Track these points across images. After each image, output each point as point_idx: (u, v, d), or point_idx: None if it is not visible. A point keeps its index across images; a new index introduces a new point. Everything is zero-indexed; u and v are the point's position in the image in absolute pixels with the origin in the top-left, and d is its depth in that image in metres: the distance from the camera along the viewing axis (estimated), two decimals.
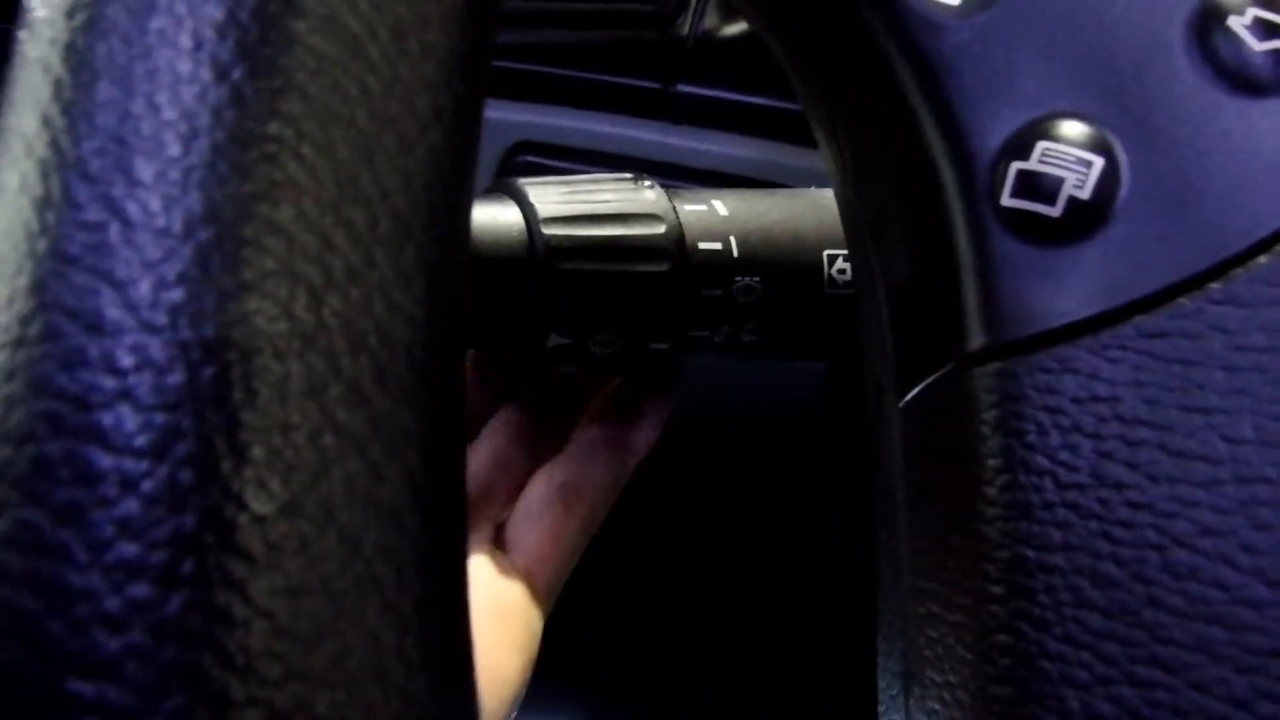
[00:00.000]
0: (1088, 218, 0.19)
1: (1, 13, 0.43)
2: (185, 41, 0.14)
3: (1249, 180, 0.19)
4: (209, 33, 0.14)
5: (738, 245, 0.33)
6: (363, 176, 0.14)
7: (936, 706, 0.19)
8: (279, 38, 0.14)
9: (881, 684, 0.22)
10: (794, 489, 0.47)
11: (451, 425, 0.15)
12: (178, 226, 0.13)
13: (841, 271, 0.34)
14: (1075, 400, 0.18)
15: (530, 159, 0.54)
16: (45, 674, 0.12)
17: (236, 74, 0.14)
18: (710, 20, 0.53)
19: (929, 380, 0.21)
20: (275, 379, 0.13)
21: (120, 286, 0.13)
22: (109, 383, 0.13)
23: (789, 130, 0.50)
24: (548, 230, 0.30)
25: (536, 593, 0.33)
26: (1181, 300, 0.18)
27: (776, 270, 0.33)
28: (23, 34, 0.14)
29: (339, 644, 0.13)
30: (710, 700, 0.52)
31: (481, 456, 0.34)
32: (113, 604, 0.12)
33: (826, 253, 0.34)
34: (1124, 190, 0.19)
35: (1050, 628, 0.17)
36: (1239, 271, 0.18)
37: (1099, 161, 0.19)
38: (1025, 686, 0.17)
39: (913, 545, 0.20)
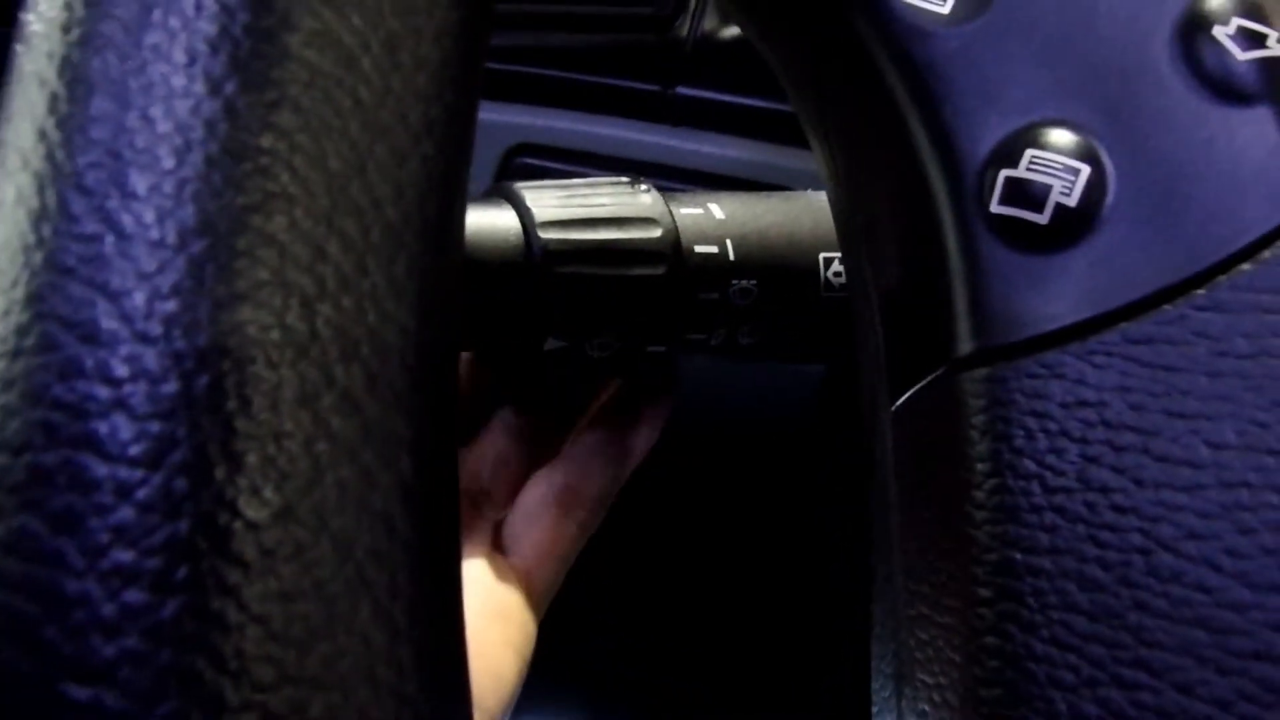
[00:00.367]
0: (1075, 225, 0.19)
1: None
2: (179, 56, 0.14)
3: (1232, 188, 0.19)
4: (202, 47, 0.14)
5: (734, 248, 0.33)
6: (355, 187, 0.14)
7: (926, 708, 0.19)
8: (272, 51, 0.14)
9: (874, 685, 0.22)
10: (793, 490, 0.47)
11: (443, 430, 0.15)
12: (172, 238, 0.13)
13: (838, 274, 0.34)
14: (1062, 405, 0.19)
15: (530, 161, 0.55)
16: (42, 678, 0.12)
17: (230, 87, 0.14)
18: (709, 23, 0.53)
19: (920, 385, 0.21)
20: (268, 387, 0.13)
21: (115, 297, 0.13)
22: (104, 392, 0.13)
23: (787, 132, 0.50)
24: (545, 234, 0.31)
25: (533, 594, 0.33)
26: (1166, 307, 0.18)
27: (773, 273, 0.34)
28: (19, 48, 0.15)
29: (332, 647, 0.13)
30: (709, 701, 0.52)
31: (480, 458, 0.34)
32: (108, 609, 0.12)
33: (823, 255, 0.34)
34: (1110, 198, 0.19)
35: (1037, 630, 0.17)
36: (1222, 279, 0.18)
37: (1086, 169, 0.19)
38: (1013, 688, 0.17)
39: (904, 548, 0.20)
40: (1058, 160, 0.19)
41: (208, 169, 0.13)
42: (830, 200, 0.25)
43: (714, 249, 0.33)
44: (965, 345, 0.20)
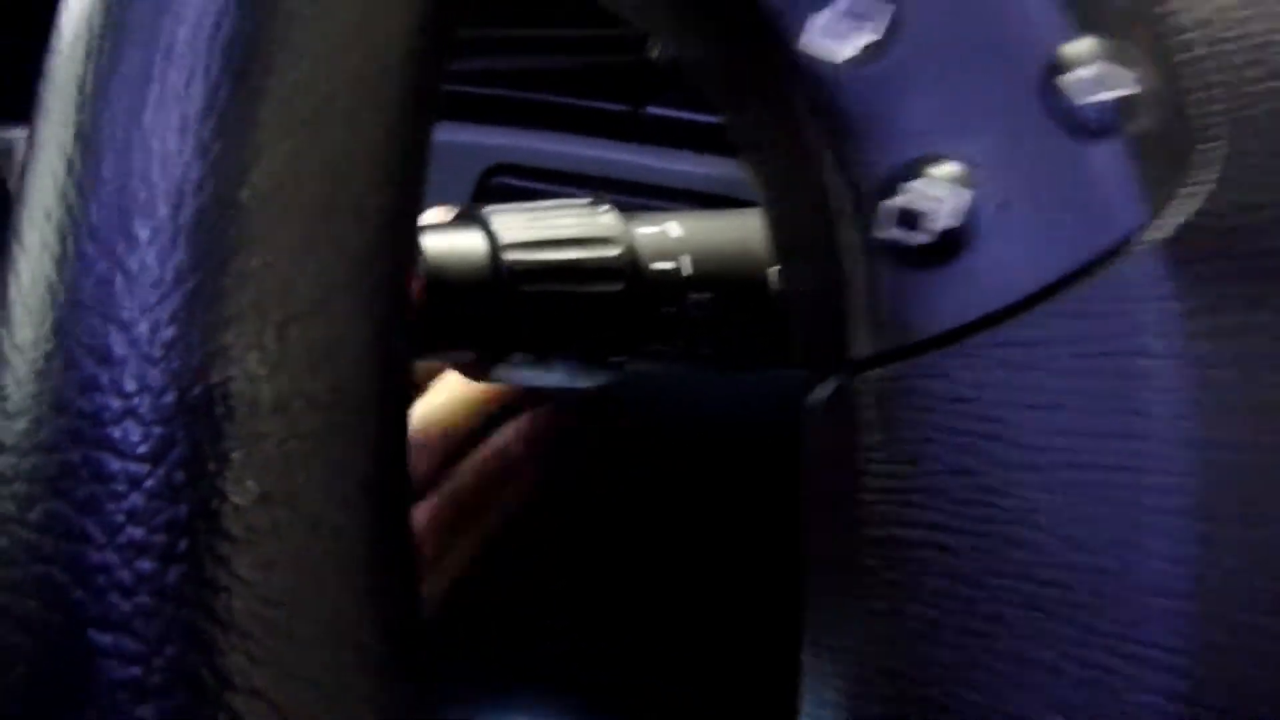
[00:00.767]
0: (953, 244, 0.22)
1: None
2: (174, 123, 0.17)
3: (1084, 212, 0.22)
4: (193, 116, 0.17)
5: (691, 264, 0.36)
6: (320, 230, 0.17)
7: (829, 665, 0.22)
8: (250, 118, 0.17)
9: (803, 654, 0.25)
10: (778, 496, 0.49)
11: (397, 428, 0.18)
12: (169, 277, 0.16)
13: None
14: (942, 399, 0.22)
15: (507, 180, 0.57)
16: (73, 628, 0.15)
17: (215, 149, 0.17)
18: None
19: (825, 386, 0.24)
20: (249, 398, 0.16)
21: (125, 327, 0.16)
22: (117, 403, 0.16)
23: None
24: (509, 255, 0.33)
25: None
26: (1027, 314, 0.21)
27: (727, 286, 0.36)
28: (37, 119, 0.18)
29: (304, 606, 0.16)
30: (695, 706, 0.54)
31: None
32: (125, 575, 0.16)
33: (773, 269, 0.37)
34: (983, 221, 0.22)
35: (911, 591, 0.20)
36: (1073, 290, 0.21)
37: (963, 196, 0.22)
38: (891, 642, 0.20)
39: (812, 524, 0.24)
40: (939, 189, 0.23)
41: (197, 219, 0.17)
42: (764, 216, 0.28)
43: (670, 265, 0.35)
44: (862, 350, 0.23)
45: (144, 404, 0.16)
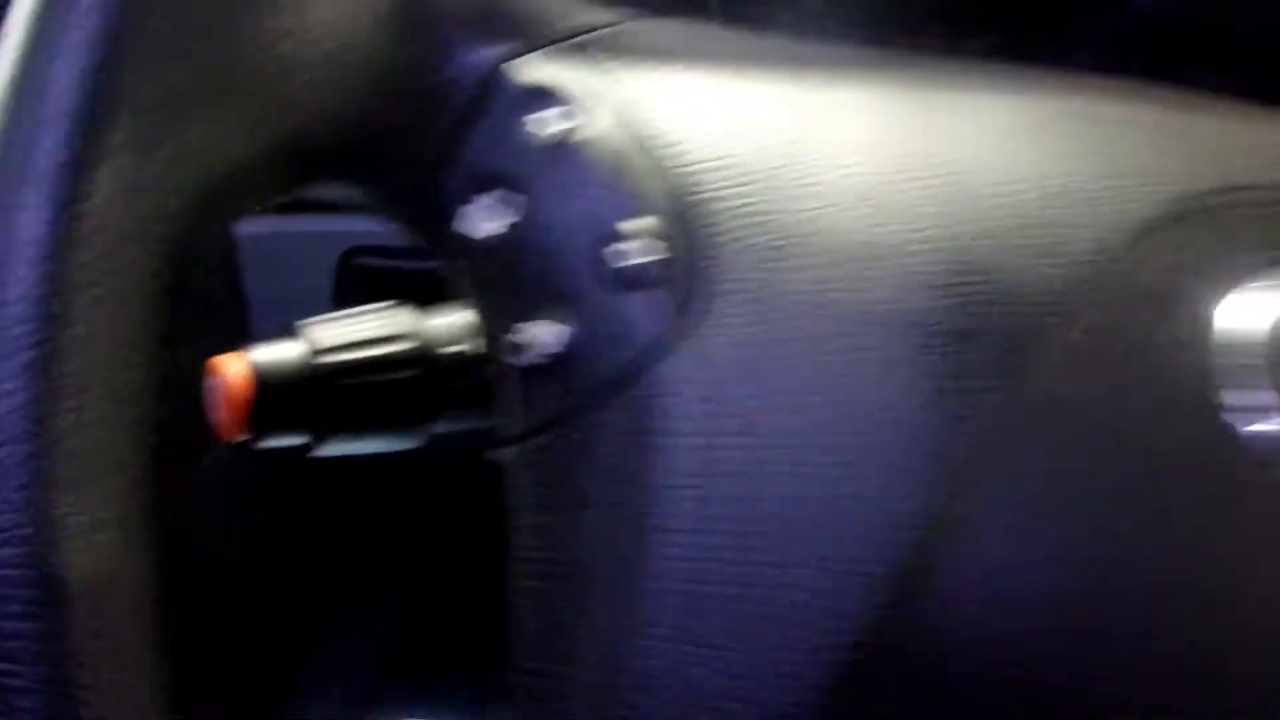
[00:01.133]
0: (552, 364, 0.34)
1: None
2: None
3: (620, 341, 0.34)
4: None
5: (481, 345, 0.46)
6: (92, 391, 0.29)
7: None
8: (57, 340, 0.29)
9: None
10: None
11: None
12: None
13: None
14: (553, 464, 0.34)
15: (367, 260, 0.67)
16: None
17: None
18: None
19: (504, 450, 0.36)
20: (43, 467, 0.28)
21: None
22: None
23: None
24: (322, 359, 0.41)
25: None
26: (592, 410, 0.34)
27: None
28: None
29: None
30: None
31: None
32: None
33: None
34: (572, 345, 0.34)
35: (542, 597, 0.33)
36: (614, 398, 0.33)
37: (562, 331, 0.34)
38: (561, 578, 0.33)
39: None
40: (543, 329, 0.34)
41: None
42: None
43: (461, 348, 0.46)
44: (515, 428, 0.35)
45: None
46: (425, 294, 0.43)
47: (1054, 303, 0.33)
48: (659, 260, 0.34)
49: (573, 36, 0.38)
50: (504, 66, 0.37)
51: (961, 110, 0.38)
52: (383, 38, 0.36)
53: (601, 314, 0.34)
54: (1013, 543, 0.31)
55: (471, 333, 0.42)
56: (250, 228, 0.60)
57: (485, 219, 0.36)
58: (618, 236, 0.34)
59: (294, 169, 0.36)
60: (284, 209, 0.40)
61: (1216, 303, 0.33)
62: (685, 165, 0.35)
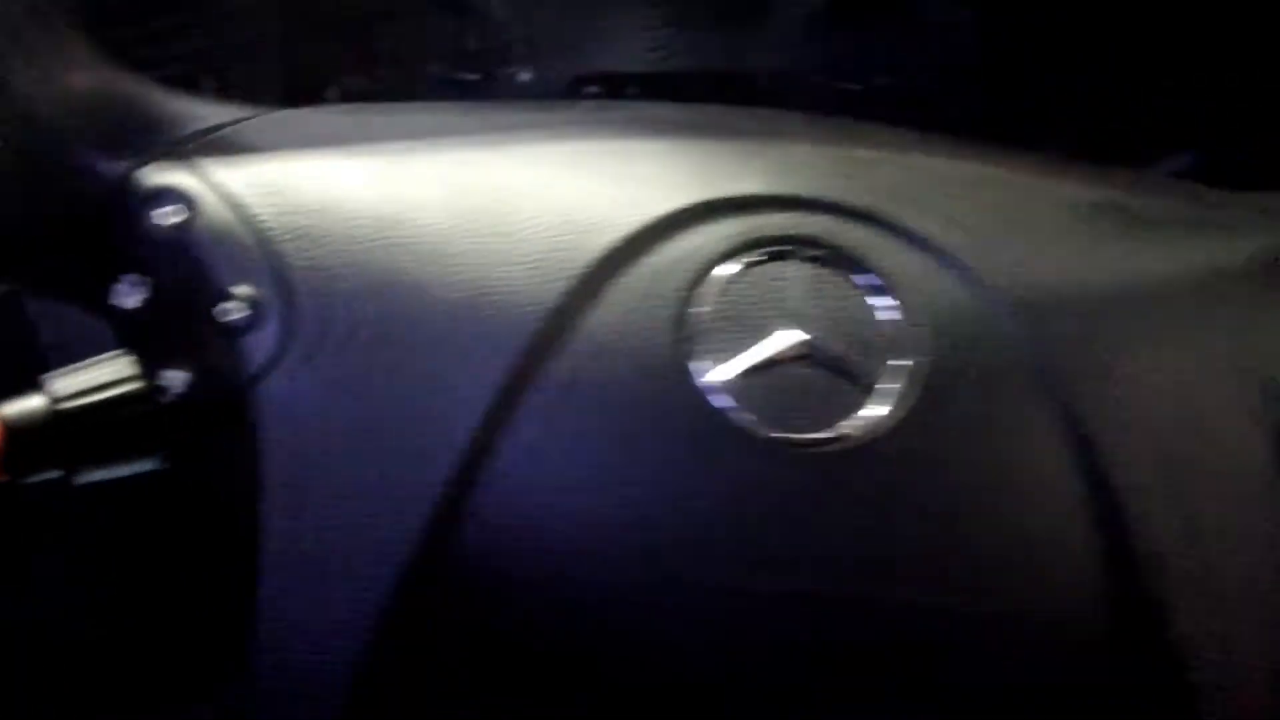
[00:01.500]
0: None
1: None
2: None
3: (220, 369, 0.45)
4: None
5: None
6: None
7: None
8: None
9: None
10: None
11: None
12: None
13: None
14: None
15: None
16: None
17: None
18: None
19: None
20: None
21: None
22: None
23: None
24: (62, 406, 0.52)
25: None
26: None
27: None
28: None
29: None
30: None
31: None
32: None
33: None
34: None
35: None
36: None
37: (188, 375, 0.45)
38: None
39: None
40: (172, 375, 0.45)
41: None
42: None
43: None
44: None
45: None
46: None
47: (556, 309, 0.44)
48: (258, 313, 0.44)
49: (194, 139, 0.49)
50: (133, 174, 0.47)
51: (513, 159, 0.49)
52: (25, 163, 0.46)
53: (218, 358, 0.45)
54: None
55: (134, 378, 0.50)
56: None
57: (126, 295, 0.46)
58: (227, 297, 0.45)
59: None
60: None
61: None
62: (280, 238, 0.46)
